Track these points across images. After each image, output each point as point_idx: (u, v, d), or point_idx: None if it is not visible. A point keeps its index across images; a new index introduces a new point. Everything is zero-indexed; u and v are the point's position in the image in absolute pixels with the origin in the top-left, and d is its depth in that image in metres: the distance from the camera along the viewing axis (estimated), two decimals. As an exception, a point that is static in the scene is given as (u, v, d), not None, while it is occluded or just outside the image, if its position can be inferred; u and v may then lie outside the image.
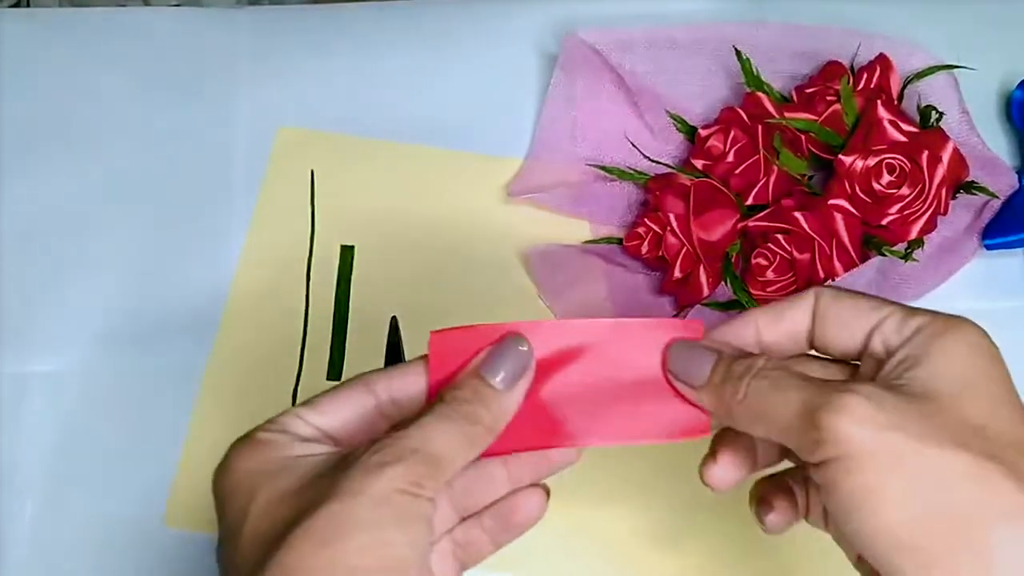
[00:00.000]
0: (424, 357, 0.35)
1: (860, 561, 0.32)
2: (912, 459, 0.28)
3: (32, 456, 0.53)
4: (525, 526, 0.35)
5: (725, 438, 0.35)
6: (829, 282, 0.53)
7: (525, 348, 0.34)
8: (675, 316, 0.55)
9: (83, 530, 0.52)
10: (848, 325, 0.33)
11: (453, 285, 0.57)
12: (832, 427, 0.29)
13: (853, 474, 0.28)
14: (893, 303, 0.33)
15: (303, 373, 0.55)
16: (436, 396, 0.33)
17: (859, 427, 0.28)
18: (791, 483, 0.36)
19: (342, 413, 0.34)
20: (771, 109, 0.56)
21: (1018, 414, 0.30)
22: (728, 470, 0.35)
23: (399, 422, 0.33)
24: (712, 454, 0.35)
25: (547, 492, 0.35)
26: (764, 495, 0.36)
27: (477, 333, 0.34)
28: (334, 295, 0.57)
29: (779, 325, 0.34)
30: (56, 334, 0.56)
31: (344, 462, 0.31)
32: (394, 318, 0.54)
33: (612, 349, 0.34)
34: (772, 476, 0.36)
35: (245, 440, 0.33)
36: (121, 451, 0.53)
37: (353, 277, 0.57)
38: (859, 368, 0.34)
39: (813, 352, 0.35)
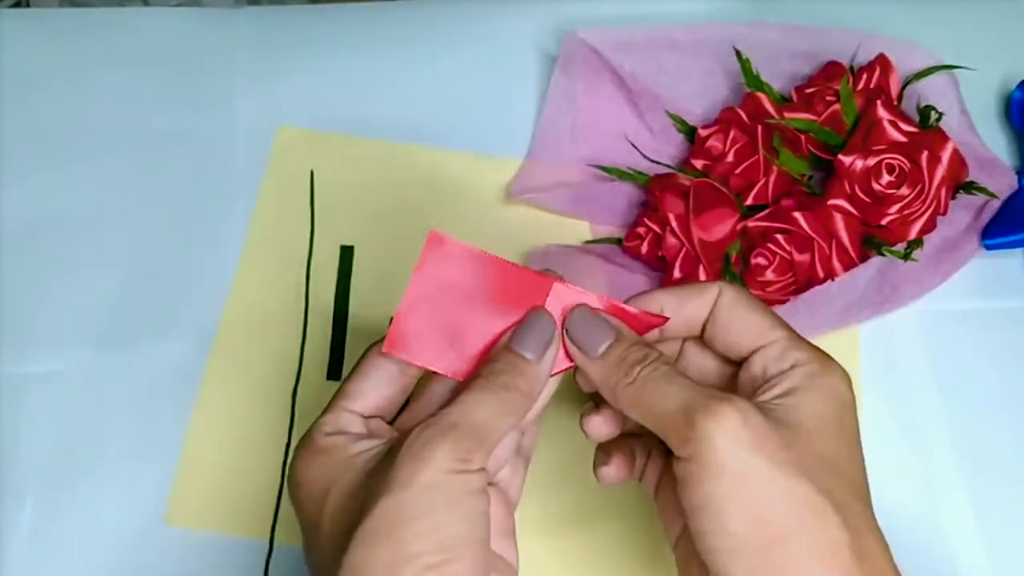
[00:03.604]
0: None
1: (678, 542, 0.37)
2: (764, 481, 0.31)
3: (32, 456, 0.53)
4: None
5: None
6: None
7: (549, 321, 0.37)
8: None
9: (83, 529, 0.52)
10: (737, 337, 0.36)
11: (453, 285, 0.57)
12: (704, 431, 0.32)
13: (709, 479, 0.32)
14: (783, 327, 0.36)
15: (303, 373, 0.55)
16: (475, 374, 0.36)
17: (726, 440, 0.32)
18: (634, 446, 0.39)
19: (375, 392, 0.37)
20: (771, 109, 0.56)
21: (856, 458, 0.34)
22: (606, 424, 0.38)
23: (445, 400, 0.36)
24: (596, 409, 0.38)
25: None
26: (606, 449, 0.39)
27: (471, 256, 0.37)
28: (334, 295, 0.57)
29: (680, 310, 0.37)
30: (56, 334, 0.56)
31: (392, 451, 0.33)
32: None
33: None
34: (618, 436, 0.39)
35: (307, 446, 0.36)
36: (121, 451, 0.53)
37: (353, 277, 0.57)
38: (739, 371, 0.37)
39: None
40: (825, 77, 0.57)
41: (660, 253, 0.55)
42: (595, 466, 0.39)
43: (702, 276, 0.54)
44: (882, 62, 0.57)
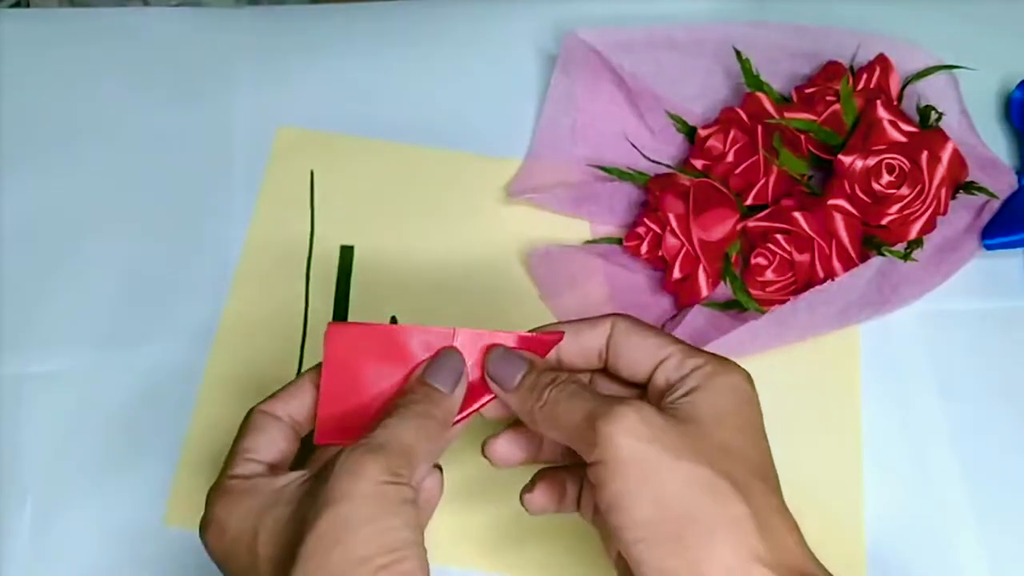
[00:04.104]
0: (308, 372, 0.40)
1: (617, 560, 0.38)
2: (664, 469, 0.33)
3: (32, 456, 0.53)
4: (434, 502, 0.41)
5: (518, 430, 0.41)
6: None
7: (458, 357, 0.39)
8: (673, 318, 0.55)
9: (83, 530, 0.52)
10: (636, 359, 0.38)
11: (453, 285, 0.57)
12: (605, 434, 0.34)
13: (615, 477, 0.34)
14: (677, 343, 0.38)
15: (303, 373, 0.55)
16: (391, 405, 0.38)
17: (626, 437, 0.34)
18: (566, 479, 0.41)
19: (272, 446, 0.39)
20: (771, 109, 0.56)
21: (760, 445, 0.36)
22: (509, 449, 0.40)
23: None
24: (496, 434, 0.41)
25: (441, 472, 0.41)
26: (534, 478, 0.41)
27: (372, 332, 0.39)
28: (334, 295, 0.57)
29: (575, 343, 0.39)
30: (56, 334, 0.56)
31: (321, 475, 0.35)
32: (393, 318, 0.54)
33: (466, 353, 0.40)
34: (548, 467, 0.41)
35: (224, 493, 0.37)
36: (121, 451, 0.53)
37: (353, 277, 0.57)
38: (646, 392, 0.38)
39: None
40: (825, 77, 0.57)
41: (660, 253, 0.55)
42: (521, 494, 0.41)
43: (702, 276, 0.54)
44: (882, 62, 0.57)
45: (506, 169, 0.60)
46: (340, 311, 0.56)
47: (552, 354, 0.40)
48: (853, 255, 0.53)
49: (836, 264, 0.53)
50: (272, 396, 0.40)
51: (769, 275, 0.54)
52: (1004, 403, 0.54)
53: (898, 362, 0.55)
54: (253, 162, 0.60)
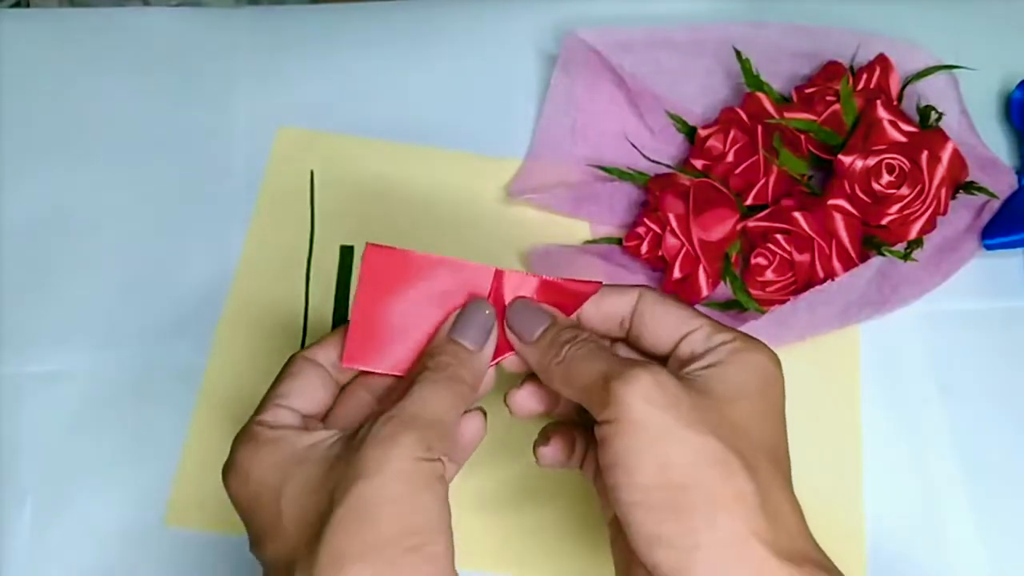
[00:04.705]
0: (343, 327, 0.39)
1: (612, 521, 0.38)
2: (673, 436, 0.33)
3: (32, 456, 0.53)
4: (472, 445, 0.40)
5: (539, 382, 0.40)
6: (822, 285, 0.53)
7: (488, 311, 0.38)
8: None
9: (83, 529, 0.52)
10: (662, 330, 0.38)
11: (453, 285, 0.57)
12: (618, 394, 0.33)
13: (622, 436, 0.33)
14: (706, 317, 0.37)
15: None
16: (419, 364, 0.38)
17: (639, 399, 0.33)
18: (575, 433, 0.40)
19: (309, 393, 0.38)
20: (771, 109, 0.56)
21: (773, 430, 0.36)
22: (529, 400, 0.40)
23: (388, 393, 0.38)
24: (520, 385, 0.40)
25: (484, 413, 0.40)
26: (547, 431, 0.41)
27: (410, 259, 0.38)
28: (334, 295, 0.57)
29: (598, 307, 0.39)
30: (56, 334, 0.56)
31: (353, 443, 0.34)
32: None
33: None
34: (561, 421, 0.41)
35: (250, 440, 0.36)
36: (121, 451, 0.53)
37: (353, 277, 0.57)
38: (666, 365, 0.38)
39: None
40: (825, 77, 0.57)
41: (660, 253, 0.55)
42: (535, 446, 0.40)
43: (702, 276, 0.54)
44: (882, 62, 0.57)
45: (506, 169, 0.60)
46: (340, 311, 0.56)
47: (574, 317, 0.39)
48: (853, 255, 0.53)
49: (836, 264, 0.53)
50: (315, 343, 0.39)
51: (769, 275, 0.54)
52: (1004, 403, 0.54)
53: (898, 362, 0.55)
54: (253, 162, 0.60)
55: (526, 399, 0.40)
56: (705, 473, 0.32)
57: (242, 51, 0.63)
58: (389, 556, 0.32)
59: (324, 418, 0.39)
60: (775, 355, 0.37)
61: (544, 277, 0.39)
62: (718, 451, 0.33)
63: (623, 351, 0.40)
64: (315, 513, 0.33)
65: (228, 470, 0.36)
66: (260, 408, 0.37)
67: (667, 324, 0.37)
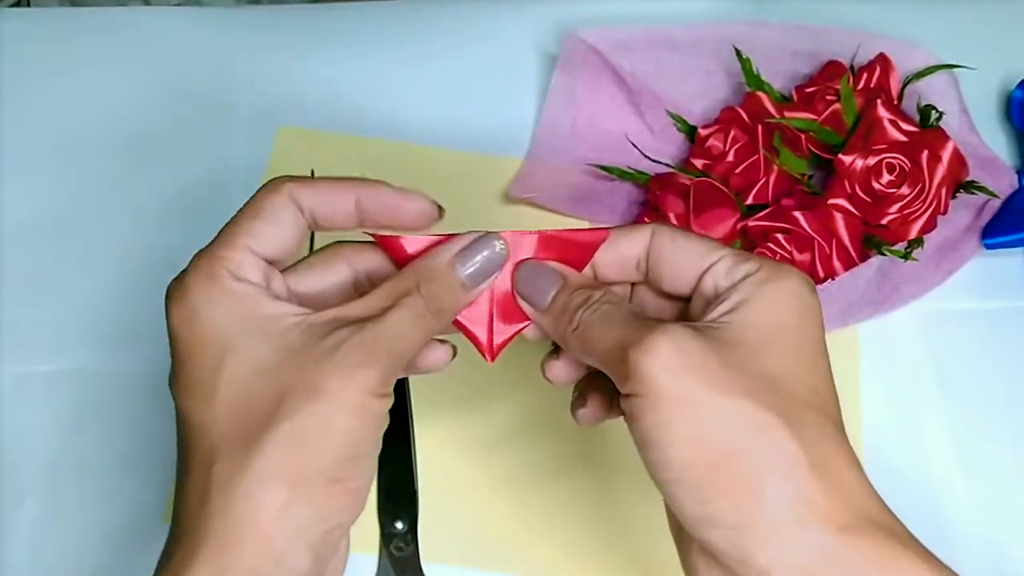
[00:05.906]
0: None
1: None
2: (702, 405, 0.30)
3: (32, 456, 0.53)
4: (424, 371, 0.37)
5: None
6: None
7: (499, 248, 0.35)
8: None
9: (83, 530, 0.52)
10: (682, 265, 0.35)
11: (453, 285, 0.57)
12: (637, 365, 0.30)
13: (649, 412, 0.30)
14: (727, 248, 0.34)
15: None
16: (411, 277, 0.35)
17: (660, 368, 0.30)
18: (610, 385, 0.37)
19: (320, 281, 0.36)
20: (771, 109, 0.56)
21: (814, 369, 0.32)
22: (567, 369, 0.37)
23: (369, 280, 0.36)
24: (557, 354, 0.37)
25: (454, 349, 0.37)
26: (583, 390, 0.37)
27: (411, 245, 0.36)
28: (334, 295, 0.57)
29: (611, 252, 0.36)
30: (56, 334, 0.56)
31: (315, 351, 0.32)
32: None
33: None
34: (595, 375, 0.37)
35: (211, 278, 0.34)
36: (121, 451, 0.53)
37: (353, 277, 0.57)
38: (689, 305, 0.35)
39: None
40: (825, 77, 0.57)
41: (660, 253, 0.55)
42: (572, 408, 0.38)
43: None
44: (882, 61, 0.57)
45: (506, 169, 0.60)
46: (340, 311, 0.56)
47: (588, 269, 0.36)
48: (853, 255, 0.53)
49: (836, 264, 0.53)
50: (306, 180, 0.36)
51: (769, 275, 0.54)
52: (1004, 403, 0.54)
53: (898, 362, 0.55)
54: (253, 162, 0.60)
55: (562, 369, 0.37)
56: (742, 440, 0.30)
57: (242, 51, 0.63)
58: (313, 484, 0.31)
59: (285, 270, 0.36)
60: (807, 279, 0.33)
61: (543, 231, 0.36)
62: (754, 413, 0.30)
63: (646, 296, 0.37)
64: (255, 408, 0.31)
65: (176, 296, 0.34)
66: (228, 240, 0.35)
67: (685, 260, 0.34)
